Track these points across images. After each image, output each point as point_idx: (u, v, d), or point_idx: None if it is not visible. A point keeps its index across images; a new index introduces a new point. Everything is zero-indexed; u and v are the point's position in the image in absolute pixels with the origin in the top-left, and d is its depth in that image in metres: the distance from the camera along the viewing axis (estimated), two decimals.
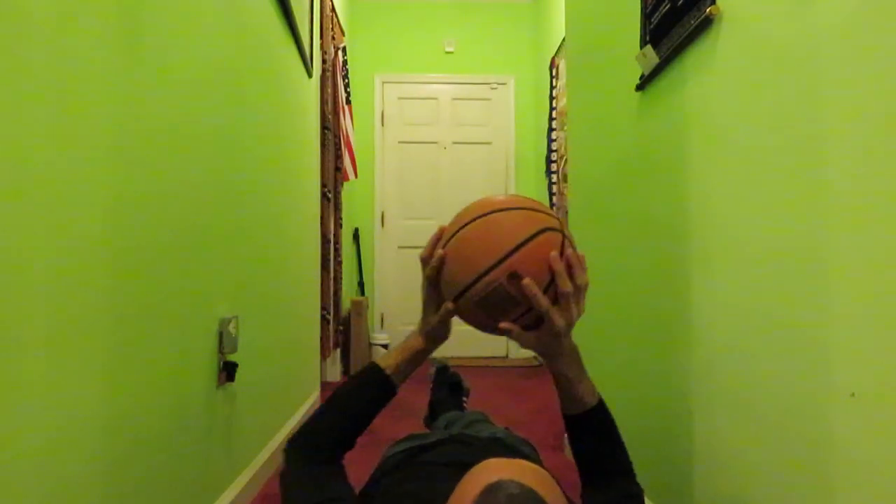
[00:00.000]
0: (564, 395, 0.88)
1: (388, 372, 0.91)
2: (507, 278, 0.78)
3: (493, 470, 0.62)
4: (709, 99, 1.14)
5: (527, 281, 0.77)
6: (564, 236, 0.82)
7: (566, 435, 0.91)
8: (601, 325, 1.83)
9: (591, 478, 0.89)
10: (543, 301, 0.78)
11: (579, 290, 0.81)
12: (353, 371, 3.84)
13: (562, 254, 0.79)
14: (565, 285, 0.79)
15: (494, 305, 0.80)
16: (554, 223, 0.82)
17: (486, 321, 0.83)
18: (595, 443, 0.89)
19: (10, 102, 0.71)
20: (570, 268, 0.80)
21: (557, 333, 0.81)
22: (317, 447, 0.87)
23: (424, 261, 0.87)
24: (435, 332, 0.91)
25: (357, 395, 0.91)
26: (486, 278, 0.78)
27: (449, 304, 0.85)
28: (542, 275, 0.78)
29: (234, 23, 1.55)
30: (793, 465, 0.87)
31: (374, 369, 0.92)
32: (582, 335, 2.23)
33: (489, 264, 0.78)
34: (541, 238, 0.79)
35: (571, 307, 0.81)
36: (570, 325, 0.82)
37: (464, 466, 0.84)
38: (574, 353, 0.86)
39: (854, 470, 0.75)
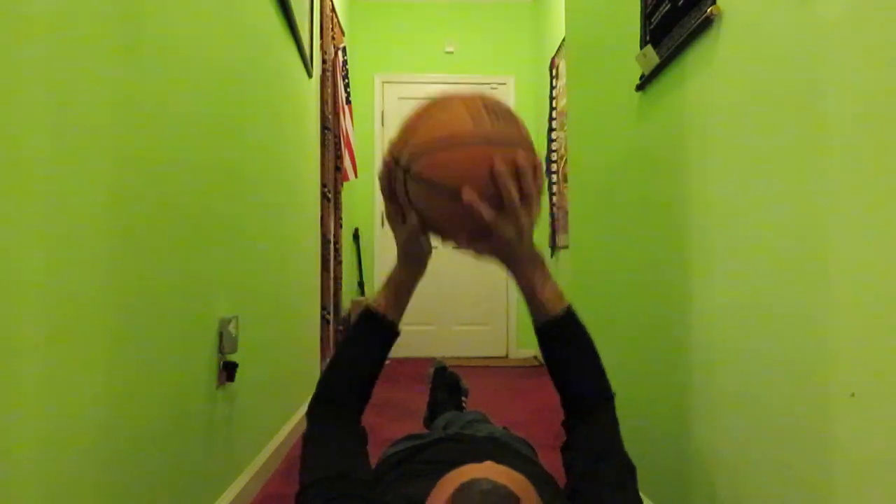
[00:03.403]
0: (529, 303, 0.87)
1: (382, 313, 0.90)
2: (448, 197, 0.76)
3: (468, 472, 0.65)
4: (709, 99, 1.14)
5: (467, 194, 0.75)
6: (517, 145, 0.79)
7: (540, 351, 0.91)
8: (600, 324, 1.83)
9: (568, 402, 0.89)
10: (486, 213, 0.76)
11: (529, 198, 0.79)
12: None
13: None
14: (509, 196, 0.76)
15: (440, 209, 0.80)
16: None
17: (446, 222, 0.82)
18: (564, 354, 0.88)
19: (10, 102, 0.71)
20: (518, 176, 0.77)
21: (508, 242, 0.80)
22: (336, 407, 0.87)
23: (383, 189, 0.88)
24: (412, 253, 0.89)
25: (361, 347, 0.90)
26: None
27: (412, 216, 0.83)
28: (482, 180, 0.76)
29: (234, 23, 1.55)
30: (793, 465, 0.87)
31: (369, 315, 0.90)
32: None
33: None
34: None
35: (520, 216, 0.79)
36: (520, 233, 0.80)
37: (460, 465, 0.84)
38: (534, 259, 0.85)
39: (854, 470, 0.75)
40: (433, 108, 0.81)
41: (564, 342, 0.88)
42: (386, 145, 0.86)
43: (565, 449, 0.88)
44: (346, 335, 0.93)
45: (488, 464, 0.66)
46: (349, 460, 0.82)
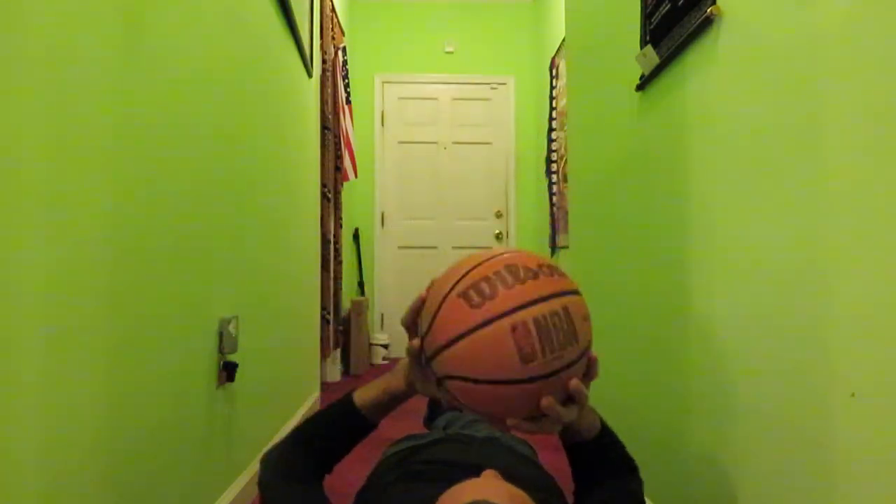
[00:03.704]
0: (566, 434, 0.83)
1: (364, 412, 0.85)
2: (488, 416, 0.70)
3: (468, 491, 0.62)
4: (709, 99, 1.14)
5: (511, 423, 0.69)
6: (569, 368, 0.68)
7: (567, 457, 0.87)
8: (601, 325, 1.83)
9: (588, 484, 0.87)
10: (532, 427, 0.70)
11: (581, 401, 0.71)
12: (352, 370, 3.84)
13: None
14: (557, 417, 0.68)
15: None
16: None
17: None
18: (598, 466, 0.85)
19: (10, 102, 0.71)
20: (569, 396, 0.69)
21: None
22: (293, 471, 0.84)
23: (407, 328, 0.77)
24: (419, 387, 0.83)
25: (329, 433, 0.87)
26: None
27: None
28: (528, 408, 0.68)
29: (234, 23, 1.55)
30: (793, 465, 0.87)
31: (348, 407, 0.86)
32: None
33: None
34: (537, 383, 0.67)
35: (571, 418, 0.70)
36: (570, 425, 0.74)
37: (459, 466, 0.84)
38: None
39: (854, 470, 0.75)
40: (475, 324, 0.66)
41: (595, 458, 0.84)
42: (415, 309, 0.75)
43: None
44: (320, 414, 0.88)
45: (488, 475, 0.63)
46: None
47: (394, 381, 0.85)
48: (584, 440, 0.83)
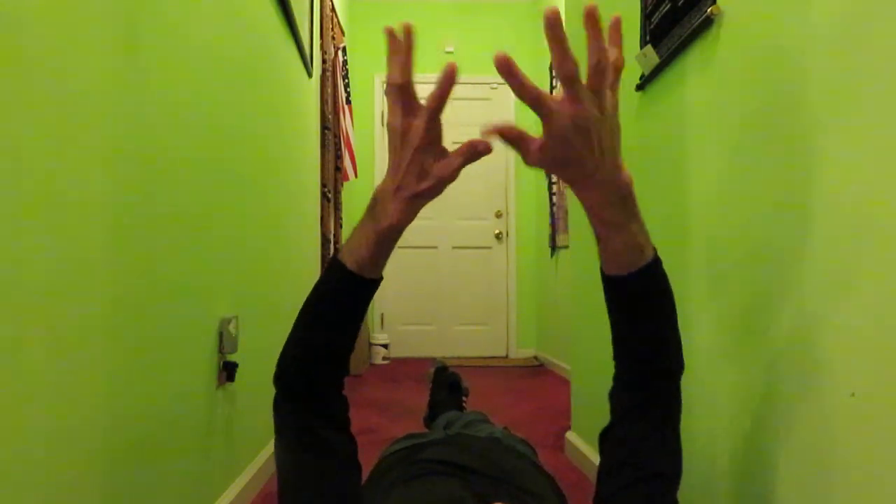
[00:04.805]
0: (601, 247, 0.68)
1: (364, 274, 0.70)
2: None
3: None
4: (709, 99, 1.14)
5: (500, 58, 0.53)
6: None
7: (608, 308, 0.72)
8: (600, 325, 1.83)
9: (625, 373, 0.77)
10: (528, 87, 0.55)
11: (601, 72, 0.57)
12: (352, 369, 3.84)
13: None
14: (564, 62, 0.54)
15: None
16: None
17: None
18: (620, 320, 0.72)
19: (10, 103, 0.71)
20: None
21: (562, 135, 0.57)
22: (308, 382, 0.72)
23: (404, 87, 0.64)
24: (427, 191, 0.67)
25: (335, 319, 0.73)
26: None
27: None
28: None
29: (233, 23, 1.55)
30: (792, 464, 0.87)
31: (341, 276, 0.71)
32: (584, 336, 2.22)
33: None
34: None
35: (583, 96, 0.55)
36: (578, 122, 0.56)
37: (459, 467, 0.84)
38: (612, 184, 0.62)
39: (854, 470, 0.75)
40: None
41: (619, 307, 0.73)
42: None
43: (604, 441, 0.77)
44: (313, 301, 0.74)
45: None
46: (341, 481, 0.71)
47: (381, 220, 0.69)
48: (611, 275, 0.67)
